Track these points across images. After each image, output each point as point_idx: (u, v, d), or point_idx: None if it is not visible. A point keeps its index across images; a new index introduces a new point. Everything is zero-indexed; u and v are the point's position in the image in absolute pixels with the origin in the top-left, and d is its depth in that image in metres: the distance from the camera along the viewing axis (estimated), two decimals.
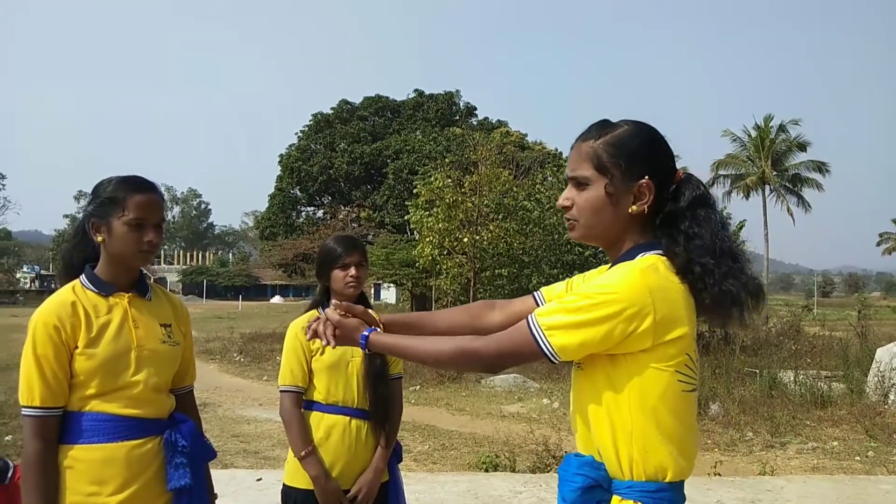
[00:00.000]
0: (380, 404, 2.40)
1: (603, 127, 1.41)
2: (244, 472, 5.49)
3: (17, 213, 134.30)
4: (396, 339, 1.50)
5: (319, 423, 2.38)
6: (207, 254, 77.33)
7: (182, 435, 1.80)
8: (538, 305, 1.59)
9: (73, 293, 1.77)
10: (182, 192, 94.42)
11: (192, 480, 1.78)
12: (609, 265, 1.47)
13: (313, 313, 2.45)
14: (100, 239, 1.77)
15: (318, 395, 2.41)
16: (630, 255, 1.38)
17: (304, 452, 2.32)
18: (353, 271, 2.42)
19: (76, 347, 1.71)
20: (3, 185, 61.93)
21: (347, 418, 2.38)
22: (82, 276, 1.81)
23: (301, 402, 2.42)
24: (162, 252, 62.66)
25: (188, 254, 73.30)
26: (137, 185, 1.79)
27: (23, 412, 1.69)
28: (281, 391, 2.43)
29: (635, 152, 1.37)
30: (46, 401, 1.67)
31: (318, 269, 2.50)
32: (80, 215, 1.90)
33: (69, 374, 1.70)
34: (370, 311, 1.58)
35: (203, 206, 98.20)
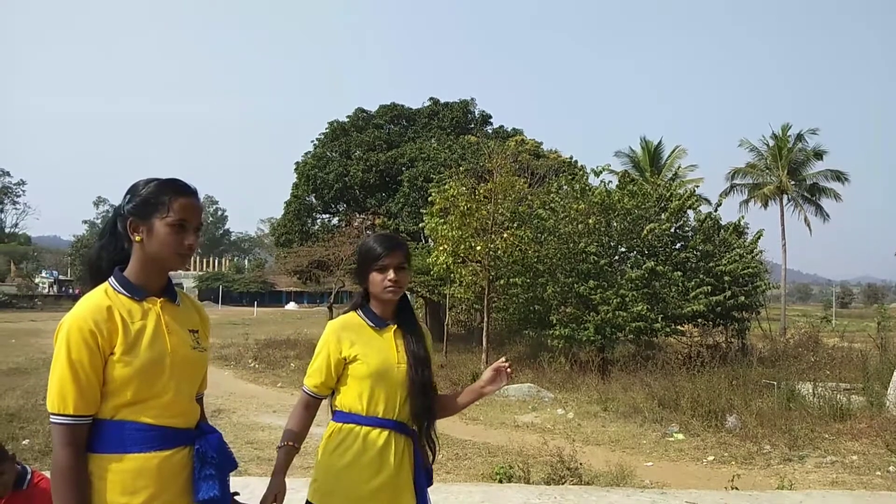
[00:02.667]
0: (425, 416, 2.22)
1: None
2: (258, 480, 5.48)
3: (37, 219, 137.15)
4: None
5: (357, 437, 2.13)
6: (223, 260, 77.90)
7: (211, 446, 1.76)
8: None
9: (107, 297, 1.70)
10: None
11: (220, 492, 1.74)
12: None
13: (353, 315, 2.25)
14: (138, 239, 1.72)
15: (355, 406, 2.16)
16: None
17: (285, 443, 2.17)
18: (391, 275, 2.15)
19: (112, 354, 1.65)
20: (24, 191, 63.12)
21: (388, 431, 2.14)
22: (111, 280, 1.74)
23: (315, 405, 2.24)
24: None
25: (204, 260, 73.72)
26: (182, 188, 1.76)
27: (52, 420, 1.62)
28: (304, 391, 2.22)
29: None
30: (79, 409, 1.61)
31: (357, 269, 2.24)
32: (110, 215, 1.82)
33: (102, 380, 1.65)
34: None
35: (220, 212, 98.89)
